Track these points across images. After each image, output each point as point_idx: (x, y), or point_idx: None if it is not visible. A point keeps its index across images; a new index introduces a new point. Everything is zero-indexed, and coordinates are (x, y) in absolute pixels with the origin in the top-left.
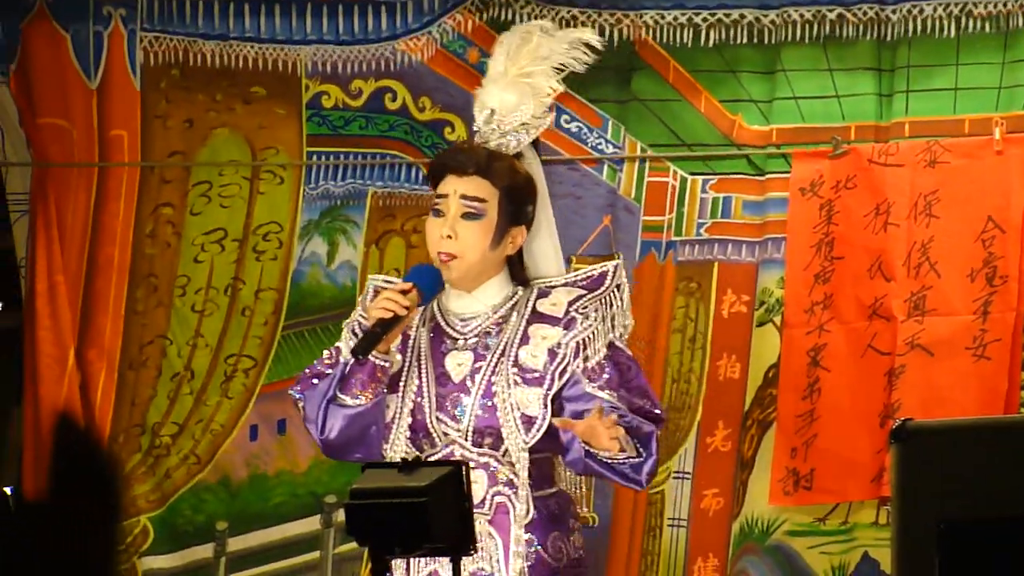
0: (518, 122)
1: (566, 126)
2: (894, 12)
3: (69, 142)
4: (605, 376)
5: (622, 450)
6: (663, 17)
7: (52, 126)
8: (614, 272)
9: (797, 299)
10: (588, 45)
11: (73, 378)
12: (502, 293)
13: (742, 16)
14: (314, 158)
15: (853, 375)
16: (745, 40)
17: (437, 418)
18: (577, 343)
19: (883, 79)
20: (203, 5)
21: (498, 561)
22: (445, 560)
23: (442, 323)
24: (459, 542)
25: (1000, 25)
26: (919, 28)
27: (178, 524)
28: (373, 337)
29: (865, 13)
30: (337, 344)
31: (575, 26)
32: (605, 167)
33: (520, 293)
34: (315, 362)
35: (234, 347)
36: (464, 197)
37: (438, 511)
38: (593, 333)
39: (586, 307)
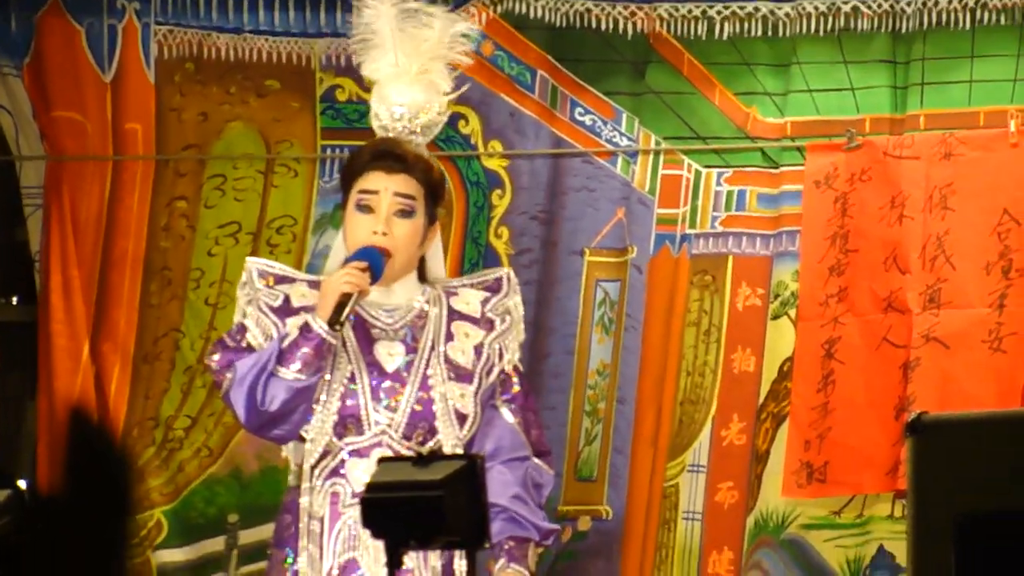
0: (425, 121)
1: (580, 118)
2: (908, 4)
3: (83, 135)
4: (514, 390)
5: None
6: (677, 10)
7: (66, 119)
8: (508, 279)
9: (812, 292)
10: (465, 35)
11: (87, 371)
12: (417, 288)
13: (756, 9)
14: (328, 151)
15: (868, 368)
16: (760, 33)
17: (373, 408)
18: (500, 345)
19: (898, 72)
20: None
21: (418, 556)
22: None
23: (363, 313)
24: (474, 535)
25: (1015, 17)
26: (934, 20)
27: (191, 517)
28: (343, 311)
29: (880, 5)
30: (242, 322)
31: (590, 19)
32: (619, 160)
33: (429, 290)
34: (224, 337)
35: None
36: (398, 195)
37: (453, 504)
38: (511, 336)
39: (496, 309)
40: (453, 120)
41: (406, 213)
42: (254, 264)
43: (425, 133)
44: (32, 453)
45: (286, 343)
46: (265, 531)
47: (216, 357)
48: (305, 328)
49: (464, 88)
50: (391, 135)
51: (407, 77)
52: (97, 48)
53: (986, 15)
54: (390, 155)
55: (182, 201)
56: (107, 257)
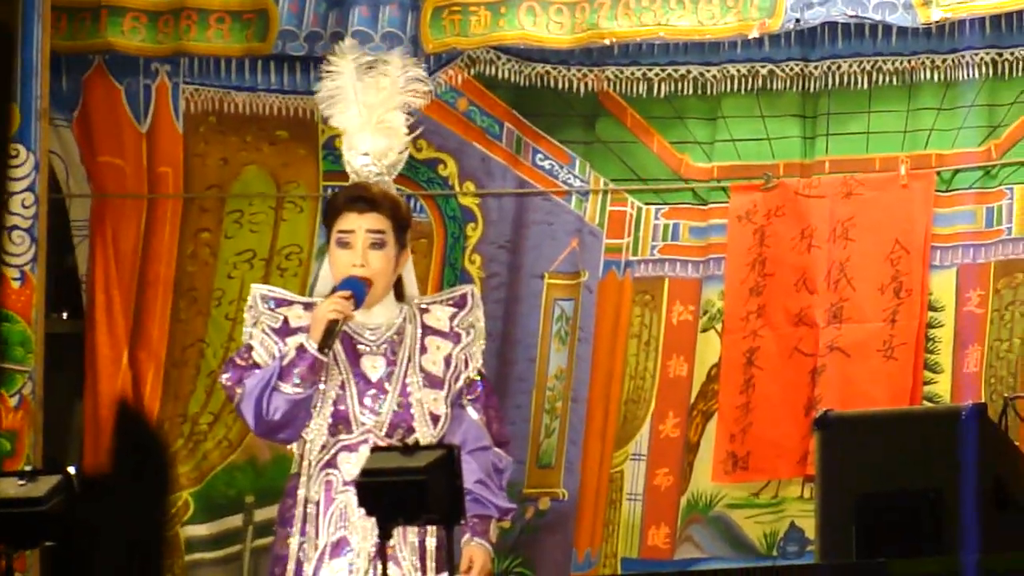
0: (388, 162)
1: (540, 163)
2: (816, 68)
3: (123, 177)
4: (477, 391)
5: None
6: (622, 72)
7: (108, 164)
8: (472, 295)
9: (735, 309)
10: (417, 80)
11: (126, 376)
12: (395, 308)
13: (688, 71)
14: (328, 191)
15: (782, 373)
16: (691, 92)
17: (360, 411)
18: (466, 355)
19: (807, 124)
20: (235, 62)
21: (398, 533)
22: (355, 529)
23: (350, 332)
24: (452, 513)
25: (905, 79)
26: (837, 81)
27: (213, 498)
28: (332, 335)
29: (792, 68)
30: (248, 343)
31: (549, 80)
32: (573, 198)
33: (406, 308)
34: (234, 356)
35: None
36: (370, 231)
37: (435, 487)
38: (475, 347)
39: (462, 323)
40: (433, 164)
41: (378, 245)
42: (258, 290)
43: (390, 172)
44: (79, 445)
45: (285, 362)
46: (275, 510)
47: (228, 375)
48: (300, 349)
49: (419, 130)
50: (361, 178)
51: (369, 127)
52: (134, 104)
53: (880, 77)
54: (360, 199)
55: (206, 232)
56: (143, 279)
